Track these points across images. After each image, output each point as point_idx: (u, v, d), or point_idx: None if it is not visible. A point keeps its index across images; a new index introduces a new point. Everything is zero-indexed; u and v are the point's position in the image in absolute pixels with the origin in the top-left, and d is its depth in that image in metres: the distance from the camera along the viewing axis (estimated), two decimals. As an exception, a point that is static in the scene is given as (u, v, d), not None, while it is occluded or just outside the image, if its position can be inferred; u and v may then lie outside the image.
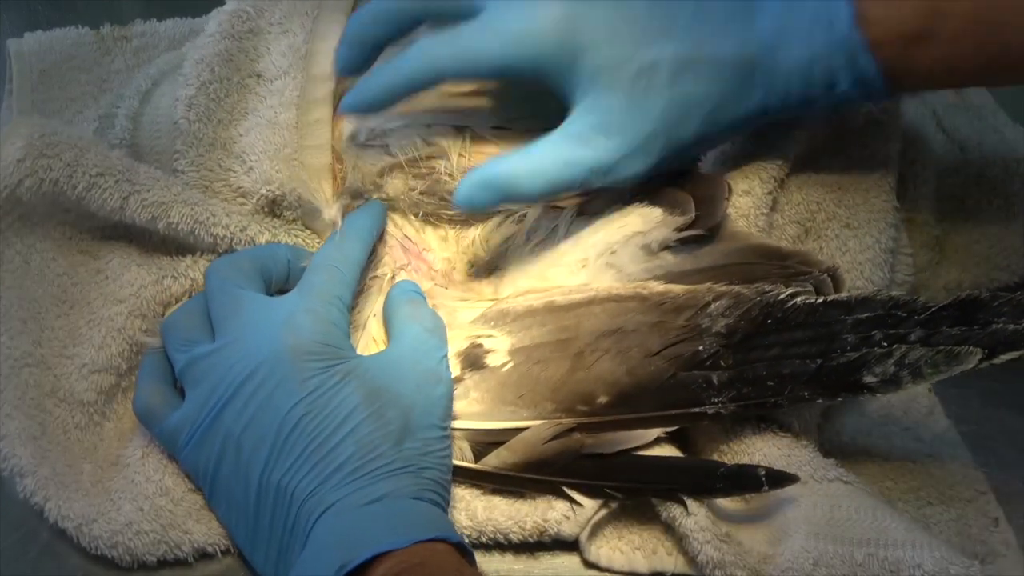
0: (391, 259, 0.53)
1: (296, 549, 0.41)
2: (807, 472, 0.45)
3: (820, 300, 0.45)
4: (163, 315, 0.51)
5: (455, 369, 0.48)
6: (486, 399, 0.47)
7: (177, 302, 0.52)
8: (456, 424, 0.47)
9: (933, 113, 0.60)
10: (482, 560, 0.46)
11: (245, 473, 0.43)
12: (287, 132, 0.52)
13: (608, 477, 0.45)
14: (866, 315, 0.44)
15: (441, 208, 0.53)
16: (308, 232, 0.54)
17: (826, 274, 0.47)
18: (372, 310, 0.51)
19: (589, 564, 0.46)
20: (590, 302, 0.48)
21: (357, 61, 0.50)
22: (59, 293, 0.50)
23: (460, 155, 0.52)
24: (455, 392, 0.47)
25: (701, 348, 0.45)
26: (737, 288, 0.46)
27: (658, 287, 0.48)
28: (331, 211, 0.52)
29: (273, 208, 0.53)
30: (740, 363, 0.45)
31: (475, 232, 0.53)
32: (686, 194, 0.50)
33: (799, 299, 0.45)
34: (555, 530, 0.46)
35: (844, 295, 0.46)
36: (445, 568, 0.39)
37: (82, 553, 0.45)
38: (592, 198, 0.52)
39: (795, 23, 0.46)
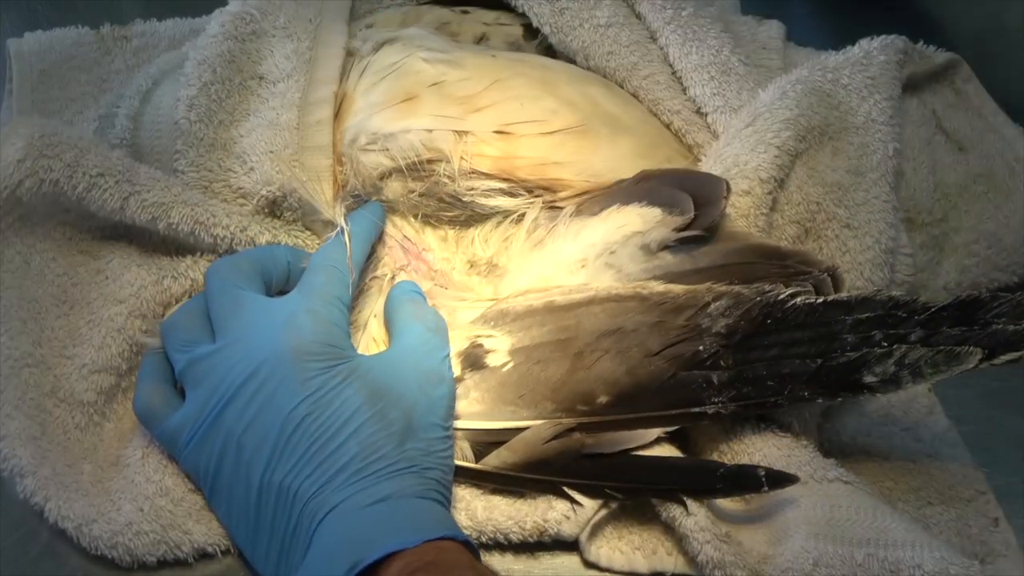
0: (391, 260, 0.53)
1: (299, 549, 0.41)
2: (807, 472, 0.46)
3: (820, 300, 0.45)
4: (163, 315, 0.51)
5: (455, 369, 0.48)
6: (486, 399, 0.47)
7: (177, 302, 0.52)
8: (456, 424, 0.47)
9: (933, 113, 0.60)
10: (482, 560, 0.46)
11: (246, 473, 0.43)
12: (288, 133, 0.52)
13: (608, 477, 0.45)
14: (866, 315, 0.44)
15: (441, 210, 0.53)
16: (308, 233, 0.54)
17: (826, 274, 0.48)
18: (372, 310, 0.51)
19: (589, 564, 0.46)
20: (590, 302, 0.48)
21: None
22: (59, 293, 0.50)
23: (461, 159, 0.52)
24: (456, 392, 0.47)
25: (701, 348, 0.45)
26: (737, 288, 0.46)
27: (658, 287, 0.48)
28: (331, 212, 0.52)
29: (273, 209, 0.53)
30: (740, 363, 0.45)
31: (475, 232, 0.53)
32: (685, 194, 0.49)
33: (799, 299, 0.45)
34: (555, 530, 0.46)
35: (844, 295, 0.46)
36: (459, 565, 0.39)
37: (82, 553, 0.45)
38: (591, 198, 0.52)
39: None
